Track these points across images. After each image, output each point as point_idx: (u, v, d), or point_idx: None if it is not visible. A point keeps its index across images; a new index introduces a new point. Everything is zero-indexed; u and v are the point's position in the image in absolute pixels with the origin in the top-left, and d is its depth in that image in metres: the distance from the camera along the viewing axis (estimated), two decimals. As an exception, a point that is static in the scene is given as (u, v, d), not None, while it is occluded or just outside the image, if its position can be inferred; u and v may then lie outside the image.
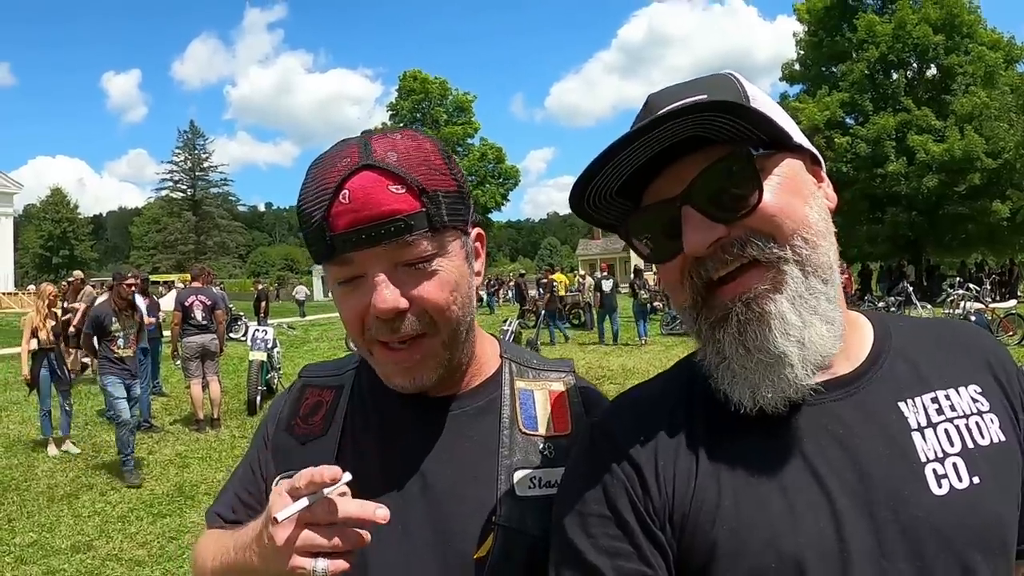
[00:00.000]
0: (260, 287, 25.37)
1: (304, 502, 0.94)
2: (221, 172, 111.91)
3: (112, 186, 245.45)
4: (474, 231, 1.15)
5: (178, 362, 10.94)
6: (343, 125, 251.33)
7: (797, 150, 0.96)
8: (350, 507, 0.95)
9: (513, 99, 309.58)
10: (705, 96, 0.92)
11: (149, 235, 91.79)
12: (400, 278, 1.04)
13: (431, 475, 1.13)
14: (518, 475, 1.12)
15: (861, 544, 0.86)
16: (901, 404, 0.95)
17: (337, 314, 1.14)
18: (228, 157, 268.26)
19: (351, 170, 1.00)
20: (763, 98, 0.98)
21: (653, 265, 1.00)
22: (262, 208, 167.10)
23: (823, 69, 37.92)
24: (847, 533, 0.87)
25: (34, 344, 9.30)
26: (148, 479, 8.20)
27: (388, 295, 1.02)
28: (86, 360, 13.65)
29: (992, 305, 18.79)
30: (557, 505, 1.02)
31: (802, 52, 39.04)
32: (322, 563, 0.95)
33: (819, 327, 0.90)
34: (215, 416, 10.49)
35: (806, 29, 38.26)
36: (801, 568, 0.85)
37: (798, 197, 0.92)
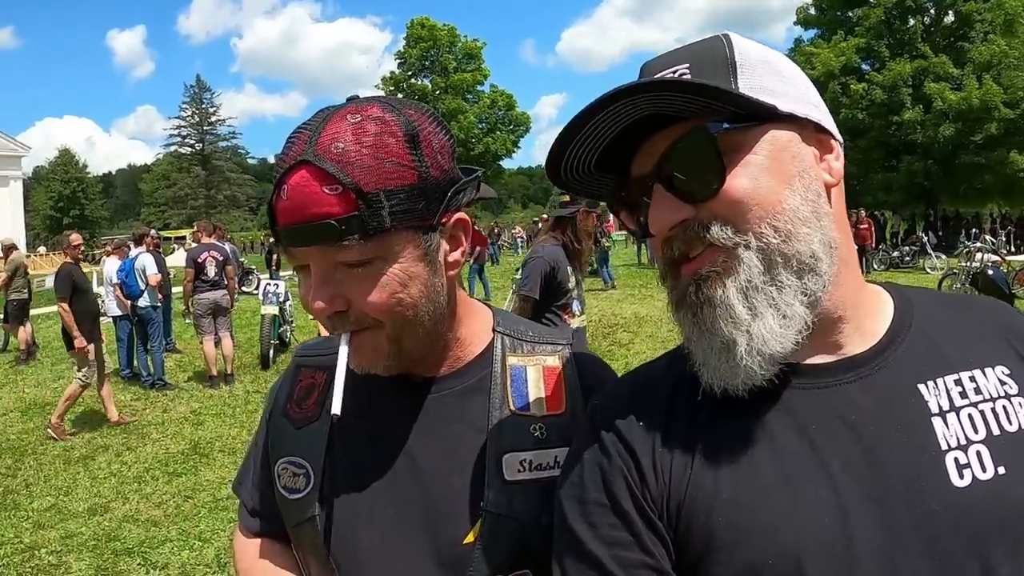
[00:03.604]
0: (271, 240, 25.29)
1: None
2: (229, 126, 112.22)
3: (121, 144, 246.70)
4: (453, 218, 1.06)
5: (190, 319, 10.97)
6: (351, 75, 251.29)
7: (788, 120, 0.87)
8: None
9: (523, 45, 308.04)
10: (687, 68, 0.87)
11: (159, 191, 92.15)
12: (339, 277, 1.00)
13: (420, 458, 1.11)
14: (507, 458, 1.09)
15: (870, 539, 0.80)
16: (921, 386, 0.88)
17: None
18: (236, 110, 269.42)
19: (292, 163, 0.96)
20: (757, 60, 0.89)
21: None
22: (271, 160, 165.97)
23: (839, 13, 37.32)
24: (854, 527, 0.80)
25: None
26: (163, 437, 8.26)
27: (321, 297, 1.00)
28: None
29: (1009, 258, 18.62)
30: (559, 490, 0.98)
31: (818, -4, 38.38)
32: None
33: (770, 321, 0.83)
34: (228, 372, 10.57)
35: (822, -28, 37.55)
36: (800, 563, 0.79)
37: (778, 178, 0.85)
